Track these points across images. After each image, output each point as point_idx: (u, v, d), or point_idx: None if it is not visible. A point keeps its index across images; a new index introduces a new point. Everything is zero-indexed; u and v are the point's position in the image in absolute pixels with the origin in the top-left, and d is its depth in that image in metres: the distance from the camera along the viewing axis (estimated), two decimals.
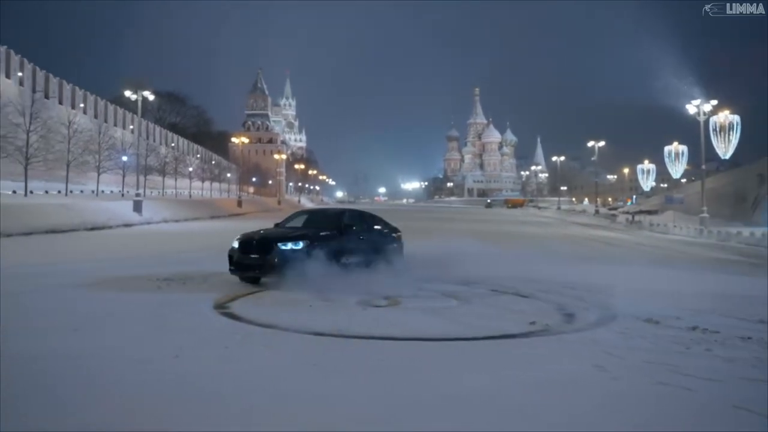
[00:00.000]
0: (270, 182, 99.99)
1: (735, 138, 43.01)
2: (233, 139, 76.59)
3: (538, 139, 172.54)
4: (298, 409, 4.02)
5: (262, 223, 14.48)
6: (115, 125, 54.26)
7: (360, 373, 4.94)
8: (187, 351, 5.41)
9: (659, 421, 4.02)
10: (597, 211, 63.26)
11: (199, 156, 77.09)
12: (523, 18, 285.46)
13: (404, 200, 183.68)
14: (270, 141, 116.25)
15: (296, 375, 4.83)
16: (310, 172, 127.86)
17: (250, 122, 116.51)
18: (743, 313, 7.83)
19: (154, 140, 63.66)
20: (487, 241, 19.73)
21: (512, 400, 4.29)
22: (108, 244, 19.23)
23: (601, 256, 18.18)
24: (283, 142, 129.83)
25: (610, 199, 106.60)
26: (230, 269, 9.75)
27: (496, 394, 4.43)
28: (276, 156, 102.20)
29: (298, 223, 11.22)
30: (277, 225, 11.26)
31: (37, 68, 43.21)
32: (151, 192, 50.03)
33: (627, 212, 57.49)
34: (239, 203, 56.98)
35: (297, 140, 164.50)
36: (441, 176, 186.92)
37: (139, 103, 36.57)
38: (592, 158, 66.92)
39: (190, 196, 59.32)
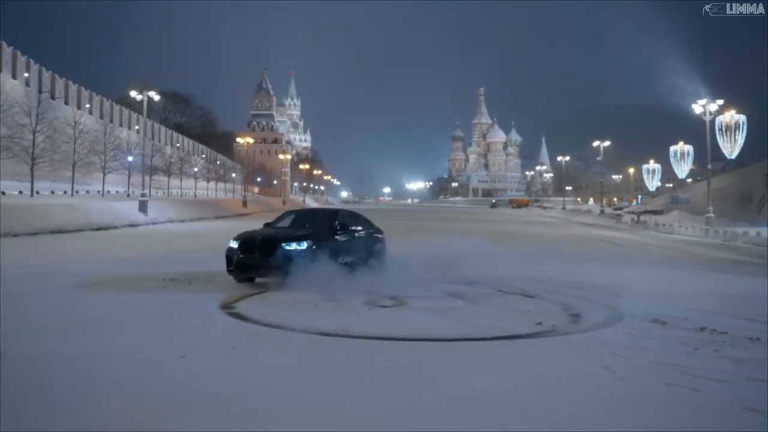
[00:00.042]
0: (275, 182, 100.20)
1: (741, 138, 42.85)
2: (238, 139, 76.56)
3: (543, 139, 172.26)
4: (304, 409, 4.02)
5: None
6: (121, 126, 54.46)
7: (366, 373, 4.95)
8: (194, 351, 5.42)
9: (667, 422, 4.00)
10: (602, 211, 63.14)
11: (204, 156, 77.27)
12: (527, 18, 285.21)
13: (409, 200, 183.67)
14: (275, 141, 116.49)
15: (303, 375, 4.84)
16: (314, 172, 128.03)
17: (255, 122, 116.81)
18: (751, 313, 7.78)
19: (160, 140, 63.90)
20: (493, 241, 19.68)
21: (519, 401, 4.28)
22: (114, 244, 19.29)
23: (607, 256, 18.13)
24: (288, 142, 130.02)
25: (615, 199, 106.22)
26: (228, 270, 9.71)
27: (503, 395, 4.42)
28: (281, 156, 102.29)
29: (286, 222, 11.23)
30: (267, 225, 11.24)
31: (44, 69, 43.41)
32: (157, 192, 50.24)
33: (632, 212, 57.20)
34: (244, 203, 57.07)
35: (302, 140, 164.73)
36: (446, 176, 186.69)
37: (145, 104, 36.67)
38: (598, 158, 66.80)
39: (195, 196, 59.47)
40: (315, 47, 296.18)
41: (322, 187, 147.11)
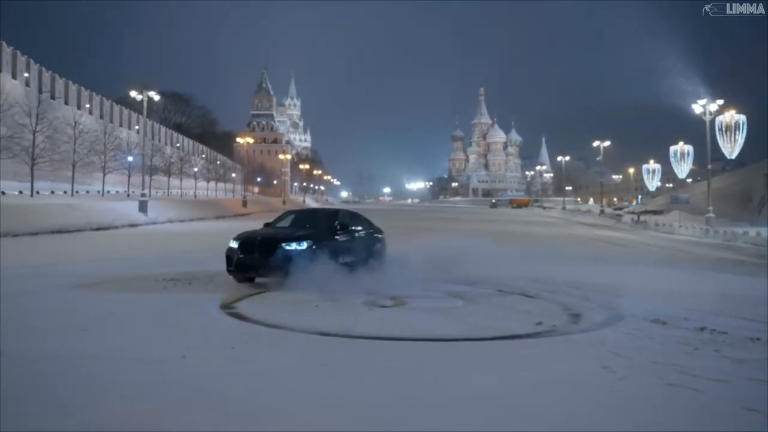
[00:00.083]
0: (275, 182, 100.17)
1: (741, 138, 42.85)
2: (238, 139, 76.59)
3: (543, 139, 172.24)
4: (305, 410, 4.02)
5: None
6: (121, 125, 54.47)
7: (367, 373, 4.95)
8: (194, 351, 5.42)
9: (667, 422, 4.00)
10: (602, 211, 63.12)
11: (204, 156, 77.27)
12: (527, 18, 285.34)
13: (409, 200, 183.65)
14: (275, 141, 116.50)
15: (303, 375, 4.84)
16: (314, 172, 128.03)
17: (255, 122, 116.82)
18: (751, 313, 7.78)
19: (160, 140, 63.90)
20: (493, 241, 19.68)
21: (519, 401, 4.28)
22: (114, 244, 19.29)
23: (607, 256, 18.13)
24: (288, 142, 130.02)
25: (615, 199, 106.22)
26: (228, 270, 9.71)
27: (503, 395, 4.42)
28: (281, 156, 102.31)
29: (286, 222, 11.24)
30: (267, 225, 11.25)
31: (44, 69, 43.42)
32: (157, 192, 50.24)
33: (632, 212, 57.21)
34: (244, 203, 57.06)
35: (302, 140, 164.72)
36: (446, 176, 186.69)
37: (145, 104, 36.68)
38: (597, 158, 66.79)
39: (195, 196, 59.47)
40: (315, 47, 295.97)
41: (322, 187, 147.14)
